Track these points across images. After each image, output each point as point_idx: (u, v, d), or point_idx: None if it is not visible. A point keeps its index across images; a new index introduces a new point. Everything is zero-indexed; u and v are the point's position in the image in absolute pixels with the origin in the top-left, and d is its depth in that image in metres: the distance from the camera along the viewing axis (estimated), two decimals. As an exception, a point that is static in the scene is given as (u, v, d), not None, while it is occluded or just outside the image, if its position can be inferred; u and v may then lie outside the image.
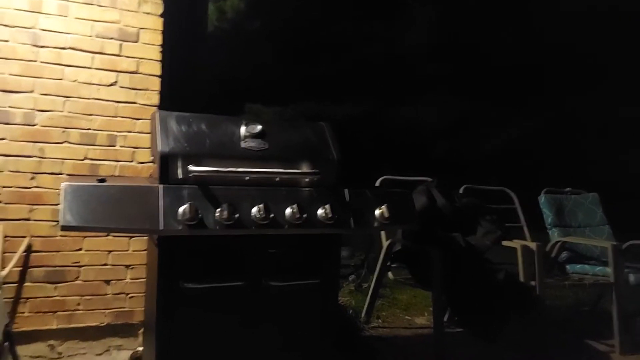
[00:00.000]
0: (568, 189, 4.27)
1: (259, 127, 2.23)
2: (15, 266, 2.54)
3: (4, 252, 2.54)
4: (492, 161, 10.70)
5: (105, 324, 2.76)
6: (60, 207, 1.81)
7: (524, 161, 10.72)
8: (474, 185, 3.95)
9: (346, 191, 2.24)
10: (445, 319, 3.45)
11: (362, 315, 3.71)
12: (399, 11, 12.50)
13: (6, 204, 2.58)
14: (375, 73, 12.04)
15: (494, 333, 2.88)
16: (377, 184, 3.72)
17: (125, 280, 2.79)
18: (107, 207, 1.87)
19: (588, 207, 4.18)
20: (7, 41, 2.56)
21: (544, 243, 3.38)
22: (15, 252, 2.55)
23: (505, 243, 3.27)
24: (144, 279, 2.77)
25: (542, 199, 4.10)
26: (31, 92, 2.61)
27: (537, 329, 3.13)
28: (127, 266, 2.80)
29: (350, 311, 3.80)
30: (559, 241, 3.76)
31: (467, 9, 11.87)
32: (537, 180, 4.76)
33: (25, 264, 2.62)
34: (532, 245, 3.16)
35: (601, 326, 3.64)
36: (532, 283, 3.10)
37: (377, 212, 2.23)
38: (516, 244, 3.14)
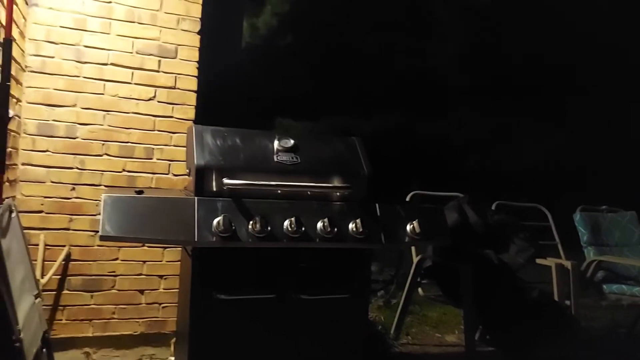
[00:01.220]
0: (604, 206, 4.16)
1: (292, 141, 2.27)
2: (54, 274, 2.62)
3: (45, 261, 2.63)
4: (525, 176, 10.49)
5: (138, 332, 2.82)
6: (100, 217, 1.87)
7: (559, 177, 10.47)
8: (507, 202, 3.90)
9: (377, 206, 2.25)
10: (476, 337, 3.39)
11: (392, 331, 3.68)
12: (430, 24, 12.49)
13: (47, 213, 2.68)
14: (406, 86, 12.02)
15: (525, 349, 2.81)
16: (408, 199, 3.71)
17: (159, 290, 2.85)
18: (144, 218, 1.92)
19: (625, 225, 4.06)
20: (52, 57, 2.67)
21: (579, 262, 3.29)
22: (54, 261, 2.63)
23: (539, 261, 3.20)
24: (177, 290, 2.82)
25: (577, 216, 4.01)
26: (74, 106, 2.71)
27: (571, 350, 3.04)
28: (160, 276, 2.85)
29: (380, 327, 3.78)
30: (594, 260, 3.67)
31: (499, 21, 11.77)
32: (573, 197, 4.66)
33: (63, 273, 2.70)
34: (567, 263, 3.09)
35: (638, 349, 3.52)
36: (567, 302, 3.02)
37: (408, 227, 2.23)
38: (550, 262, 3.08)
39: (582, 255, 3.89)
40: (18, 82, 2.53)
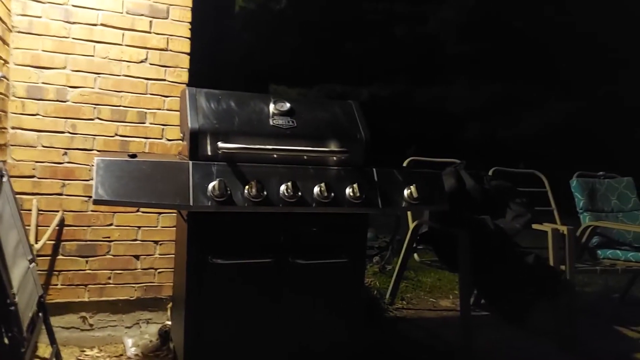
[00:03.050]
0: (601, 172, 4.15)
1: (288, 104, 2.23)
2: (48, 239, 2.60)
3: (38, 226, 2.60)
4: (523, 144, 10.49)
5: (134, 297, 2.82)
6: (93, 181, 1.84)
7: (557, 144, 10.47)
8: (504, 168, 3.88)
9: (374, 171, 2.22)
10: (471, 302, 3.43)
11: (387, 296, 3.71)
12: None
13: (40, 178, 2.63)
14: (404, 53, 11.87)
15: (521, 316, 2.84)
16: (404, 165, 3.68)
17: (154, 256, 2.84)
18: (138, 182, 1.89)
19: (622, 191, 4.06)
20: (40, 17, 2.58)
21: (575, 227, 3.30)
22: (48, 226, 2.60)
23: (535, 226, 3.20)
24: (173, 255, 2.81)
25: (573, 182, 4.00)
26: (64, 68, 2.64)
27: (565, 314, 3.08)
28: (156, 242, 2.84)
29: (375, 292, 3.81)
30: (590, 226, 3.68)
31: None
32: (570, 163, 4.65)
33: (58, 238, 2.68)
34: (563, 229, 3.09)
35: (631, 313, 3.57)
36: (562, 267, 3.04)
37: (405, 192, 2.21)
38: (547, 227, 3.08)
39: (578, 221, 3.90)
40: (5, 42, 2.45)
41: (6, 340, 1.84)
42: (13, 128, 2.57)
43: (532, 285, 2.84)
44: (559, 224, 3.62)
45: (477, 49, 11.53)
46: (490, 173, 3.73)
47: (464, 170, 3.31)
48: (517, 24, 11.38)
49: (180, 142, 2.71)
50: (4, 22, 2.39)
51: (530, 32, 11.31)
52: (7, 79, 2.52)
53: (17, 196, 2.42)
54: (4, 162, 2.51)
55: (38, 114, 2.61)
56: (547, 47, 11.22)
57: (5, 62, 2.48)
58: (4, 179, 2.18)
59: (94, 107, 2.70)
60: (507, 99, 11.69)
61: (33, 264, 2.31)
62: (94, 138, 2.70)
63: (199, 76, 3.05)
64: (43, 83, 2.61)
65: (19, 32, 2.56)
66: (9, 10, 2.49)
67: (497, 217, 3.20)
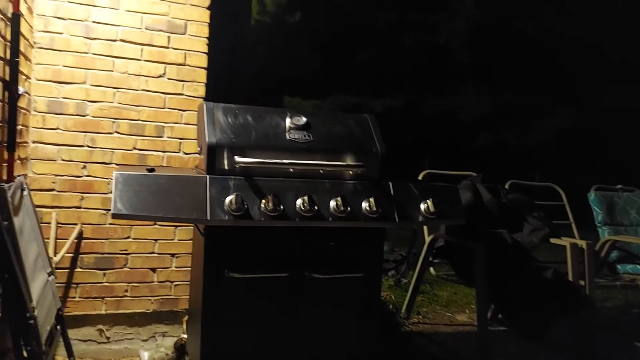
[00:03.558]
0: (619, 186, 4.10)
1: (304, 119, 2.24)
2: (67, 252, 2.63)
3: (57, 239, 2.63)
4: (537, 154, 10.39)
5: (151, 310, 2.83)
6: (112, 195, 1.85)
7: (572, 155, 10.34)
8: (520, 181, 3.85)
9: (390, 184, 2.22)
10: (488, 316, 3.38)
11: (403, 310, 3.67)
12: (441, 1, 12.28)
13: (59, 192, 2.67)
14: (416, 64, 11.86)
15: (540, 332, 2.80)
16: (420, 178, 3.66)
17: (171, 269, 2.85)
18: (156, 196, 1.90)
19: (641, 205, 4.00)
20: (61, 33, 2.64)
21: (593, 242, 3.25)
22: (67, 239, 2.63)
23: (553, 241, 3.16)
24: (189, 268, 2.82)
25: (591, 195, 3.95)
26: (83, 83, 2.68)
27: (585, 330, 3.03)
28: (172, 255, 2.85)
29: (390, 306, 3.78)
30: (609, 240, 3.62)
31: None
32: (587, 175, 4.59)
33: (76, 251, 2.70)
34: (582, 243, 3.05)
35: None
36: (581, 282, 2.99)
37: (422, 206, 2.20)
38: (565, 242, 3.04)
39: (596, 235, 3.85)
40: (27, 58, 2.50)
41: (25, 354, 1.85)
42: (34, 142, 2.62)
43: (551, 300, 2.79)
44: (577, 238, 3.57)
45: (487, 58, 11.49)
46: (506, 186, 3.71)
47: (480, 183, 3.29)
48: (526, 32, 11.33)
49: (197, 155, 2.73)
50: (26, 39, 2.45)
51: (539, 41, 11.25)
52: (29, 94, 2.57)
53: (37, 209, 2.46)
54: (25, 175, 2.55)
55: (58, 128, 2.65)
56: (556, 56, 11.14)
57: (28, 77, 2.53)
58: (25, 193, 2.21)
59: (113, 121, 2.73)
60: (517, 108, 11.62)
61: (52, 277, 2.34)
62: (113, 152, 2.74)
63: (213, 89, 3.09)
64: (63, 98, 2.66)
65: (41, 48, 2.61)
66: (31, 27, 2.55)
67: (514, 231, 3.17)
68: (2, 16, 2.05)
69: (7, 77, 2.13)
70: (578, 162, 9.63)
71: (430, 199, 2.18)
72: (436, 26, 12.09)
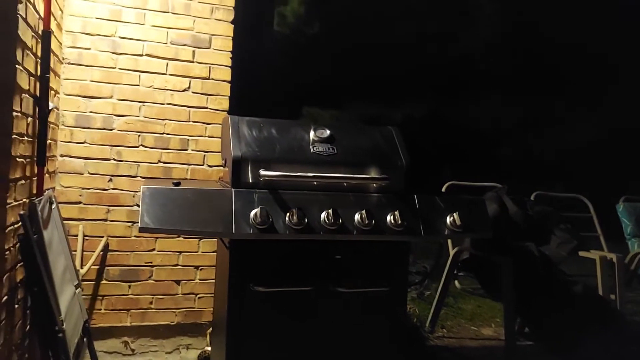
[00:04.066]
0: (649, 197, 4.00)
1: (328, 131, 2.23)
2: (93, 264, 2.66)
3: (83, 251, 2.67)
4: (562, 165, 10.20)
5: (175, 323, 2.84)
6: (139, 209, 1.87)
7: (600, 166, 10.12)
8: (547, 192, 3.78)
9: (415, 197, 2.19)
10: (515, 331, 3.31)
11: (427, 324, 3.62)
12: (460, 9, 12.20)
13: (86, 204, 2.71)
14: (436, 73, 11.78)
15: (569, 348, 2.73)
16: (443, 190, 3.63)
17: (195, 281, 2.86)
18: (182, 210, 1.91)
19: (672, 216, 3.90)
20: (89, 49, 2.69)
21: (623, 255, 3.17)
22: (93, 251, 2.67)
23: (582, 254, 3.09)
24: (213, 280, 2.83)
25: (620, 207, 3.87)
26: (110, 97, 2.73)
27: (616, 345, 2.94)
28: (196, 267, 2.86)
29: (414, 319, 3.73)
30: (639, 252, 3.53)
31: (532, 2, 11.38)
32: (615, 186, 4.50)
33: (102, 263, 2.73)
34: (612, 256, 2.98)
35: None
36: (612, 296, 2.91)
37: (448, 219, 2.17)
38: (594, 255, 2.97)
39: (625, 247, 3.76)
40: (56, 74, 2.55)
41: (54, 366, 1.87)
42: (62, 156, 2.66)
43: (581, 315, 2.72)
44: (605, 250, 3.49)
45: (511, 66, 11.35)
46: (532, 198, 3.65)
47: (506, 195, 3.24)
48: (548, 38, 11.15)
49: (221, 168, 2.75)
50: (55, 55, 2.50)
51: (563, 47, 11.08)
52: (58, 109, 2.62)
53: (64, 222, 2.50)
54: (53, 189, 2.59)
55: (85, 142, 2.70)
56: (582, 63, 10.95)
57: (56, 92, 2.58)
58: (53, 206, 2.25)
59: (139, 135, 2.77)
60: (541, 116, 11.44)
61: (79, 289, 2.37)
62: (138, 165, 2.77)
63: (238, 103, 3.11)
64: (91, 112, 2.70)
65: (69, 63, 2.67)
66: (60, 42, 2.60)
67: (541, 244, 3.11)
68: (33, 34, 2.09)
69: (38, 93, 2.18)
70: (606, 172, 9.42)
71: (457, 212, 2.15)
72: (456, 35, 12.01)
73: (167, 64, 2.80)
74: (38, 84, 2.18)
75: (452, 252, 3.33)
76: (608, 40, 11.02)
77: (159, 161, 2.80)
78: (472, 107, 11.91)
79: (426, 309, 3.89)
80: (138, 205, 1.91)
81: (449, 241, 3.39)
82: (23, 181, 2.05)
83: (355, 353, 2.17)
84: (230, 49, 2.90)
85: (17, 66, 1.89)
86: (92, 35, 2.70)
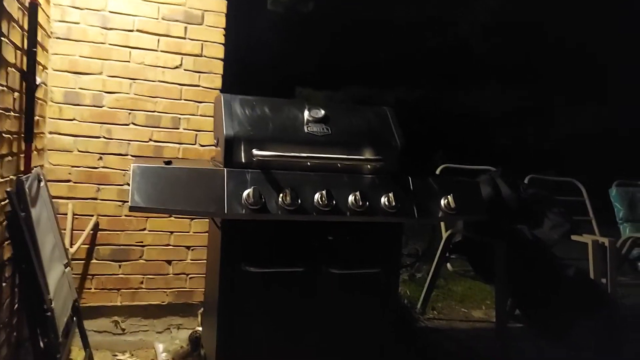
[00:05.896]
0: (642, 181, 4.01)
1: (322, 111, 2.20)
2: (83, 244, 2.63)
3: (73, 230, 2.63)
4: (556, 151, 10.22)
5: (166, 302, 2.82)
6: (129, 187, 1.84)
7: (593, 151, 10.15)
8: (540, 176, 3.78)
9: (410, 179, 2.17)
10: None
11: (418, 305, 3.64)
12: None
13: (75, 183, 2.66)
14: (432, 57, 11.70)
15: (560, 330, 2.75)
16: (437, 172, 3.61)
17: (186, 261, 2.84)
18: (173, 189, 1.88)
19: (664, 201, 3.92)
20: (78, 23, 2.62)
21: (615, 239, 3.18)
22: (83, 230, 2.63)
23: (574, 237, 3.10)
24: (204, 261, 2.81)
25: (613, 191, 3.88)
26: (100, 74, 2.66)
27: (607, 328, 2.96)
28: (188, 247, 2.84)
29: (405, 301, 3.74)
30: (631, 237, 3.54)
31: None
32: (608, 171, 4.50)
33: (92, 242, 2.70)
34: (605, 240, 2.99)
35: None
36: (603, 280, 2.93)
37: (442, 201, 2.16)
38: (587, 238, 2.97)
39: (617, 231, 3.77)
40: (44, 48, 2.49)
41: (42, 345, 1.85)
42: (50, 133, 2.61)
43: (572, 298, 2.74)
44: (597, 234, 3.50)
45: (508, 52, 11.28)
46: (526, 181, 3.64)
47: (499, 178, 3.23)
48: (547, 26, 11.08)
49: (214, 147, 2.71)
50: (43, 29, 2.43)
51: (562, 35, 11.01)
52: (46, 85, 2.56)
53: (53, 200, 2.46)
54: (41, 166, 2.55)
55: (75, 119, 2.64)
56: (579, 50, 10.90)
57: (45, 67, 2.52)
58: (42, 184, 2.20)
59: (129, 113, 2.72)
60: (537, 103, 11.42)
61: (68, 268, 2.34)
62: (129, 143, 2.72)
63: (227, 78, 3.05)
64: (80, 88, 2.64)
65: (58, 38, 2.60)
66: (48, 16, 2.53)
67: (534, 227, 3.11)
68: (19, 6, 2.03)
69: (25, 67, 2.12)
70: (598, 157, 9.45)
71: (451, 194, 2.14)
72: (455, 20, 11.88)
73: (159, 40, 2.74)
74: (25, 58, 2.12)
75: (445, 235, 3.33)
76: (606, 32, 10.97)
77: (150, 140, 2.76)
78: (469, 94, 11.87)
79: (417, 290, 3.91)
80: (128, 184, 1.87)
81: (442, 223, 3.38)
82: (10, 157, 2.01)
83: (347, 334, 2.18)
84: (224, 26, 2.84)
85: (2, 38, 1.83)
86: (82, 9, 2.62)
